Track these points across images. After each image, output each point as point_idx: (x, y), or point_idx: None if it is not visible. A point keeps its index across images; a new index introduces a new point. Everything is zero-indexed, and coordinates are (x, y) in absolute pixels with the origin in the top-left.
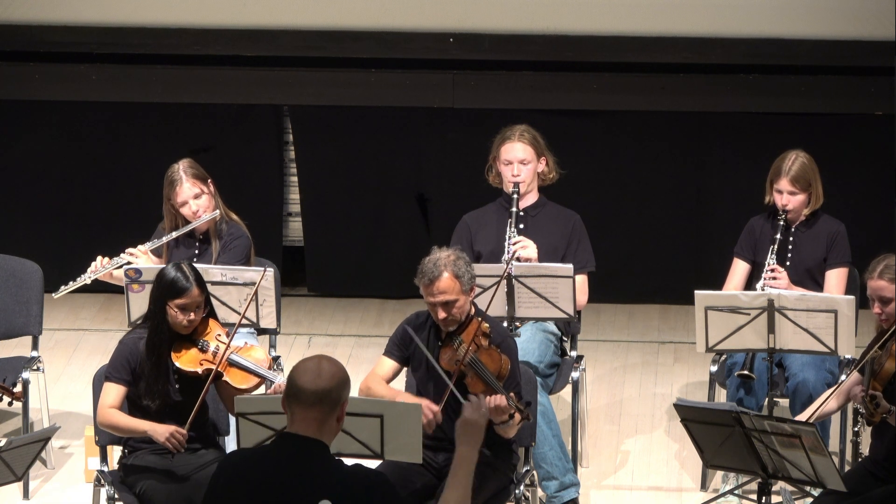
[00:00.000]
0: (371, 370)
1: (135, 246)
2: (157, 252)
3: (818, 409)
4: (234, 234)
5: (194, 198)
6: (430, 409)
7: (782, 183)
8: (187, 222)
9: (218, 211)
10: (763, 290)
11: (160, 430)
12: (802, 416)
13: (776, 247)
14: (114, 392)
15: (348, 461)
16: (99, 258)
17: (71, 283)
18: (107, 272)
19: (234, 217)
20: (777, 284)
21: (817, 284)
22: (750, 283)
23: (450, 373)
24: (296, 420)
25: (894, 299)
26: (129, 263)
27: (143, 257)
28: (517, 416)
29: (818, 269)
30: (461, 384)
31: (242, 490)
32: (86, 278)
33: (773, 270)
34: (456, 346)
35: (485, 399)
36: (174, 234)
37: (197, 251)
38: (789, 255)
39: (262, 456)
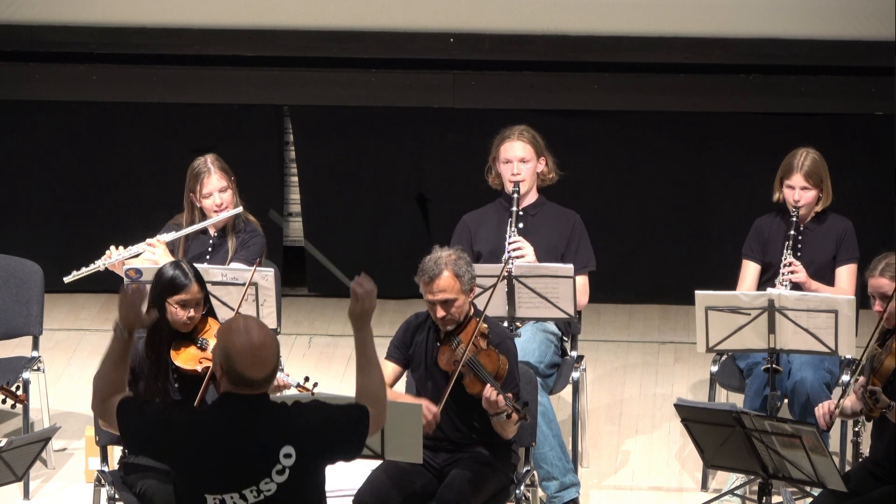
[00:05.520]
0: None
1: (142, 239)
2: (172, 245)
3: (842, 406)
4: (252, 232)
5: (220, 191)
6: (428, 410)
7: (795, 179)
8: (205, 217)
9: (240, 208)
10: (783, 285)
11: None
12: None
13: (791, 242)
14: None
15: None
16: (112, 247)
17: (83, 268)
18: (120, 261)
19: (251, 217)
20: (797, 278)
21: (827, 282)
22: (760, 283)
23: (448, 373)
24: (242, 391)
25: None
26: (144, 252)
27: (160, 247)
28: (514, 416)
29: (828, 266)
30: (459, 384)
31: (200, 452)
32: (99, 265)
33: (790, 265)
34: (454, 346)
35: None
36: (193, 228)
37: (210, 248)
38: (799, 252)
39: (209, 418)
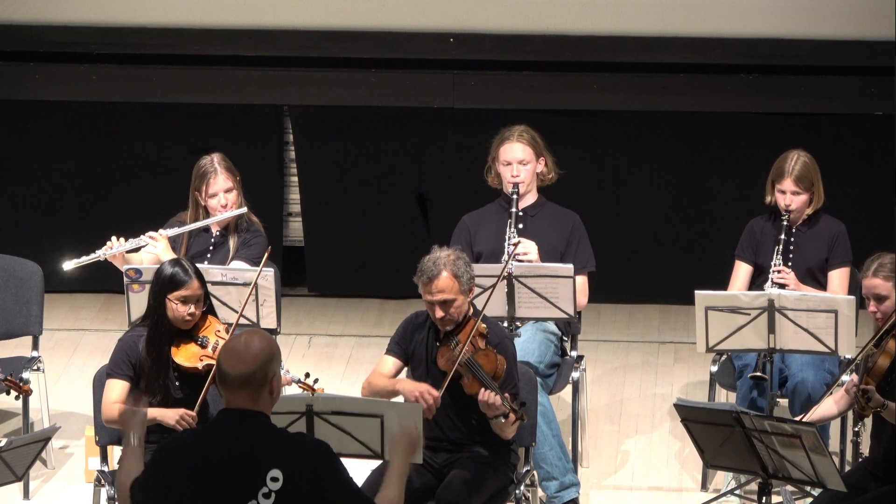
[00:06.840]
0: (373, 369)
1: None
2: (175, 241)
3: (816, 409)
4: (255, 233)
5: (226, 191)
6: (430, 394)
7: (786, 183)
8: (209, 215)
9: (245, 208)
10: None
11: (170, 414)
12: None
13: (780, 247)
14: (118, 387)
15: (345, 460)
16: (114, 238)
17: (84, 257)
18: (121, 252)
19: (255, 218)
20: (785, 282)
21: (819, 284)
22: (752, 285)
23: (447, 373)
24: (229, 401)
25: (889, 297)
26: (146, 245)
27: (162, 241)
28: (511, 416)
29: (820, 269)
30: (457, 384)
31: (189, 470)
32: (100, 255)
33: (779, 271)
34: (453, 346)
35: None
36: (197, 224)
37: (212, 246)
38: (791, 255)
39: (204, 434)
